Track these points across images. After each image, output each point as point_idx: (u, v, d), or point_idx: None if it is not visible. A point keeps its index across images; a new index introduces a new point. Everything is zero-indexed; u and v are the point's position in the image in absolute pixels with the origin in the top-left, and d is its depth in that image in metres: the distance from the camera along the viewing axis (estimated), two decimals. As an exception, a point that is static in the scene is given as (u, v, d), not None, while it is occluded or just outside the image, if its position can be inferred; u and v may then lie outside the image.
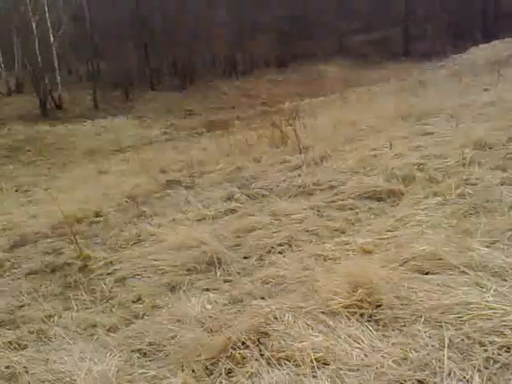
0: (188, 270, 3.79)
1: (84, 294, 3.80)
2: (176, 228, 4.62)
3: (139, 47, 32.87)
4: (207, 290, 3.41)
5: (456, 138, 6.32)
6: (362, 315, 2.61)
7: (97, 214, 5.94)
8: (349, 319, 2.58)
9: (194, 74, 32.65)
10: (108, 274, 4.09)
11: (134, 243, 4.71)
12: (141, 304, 3.46)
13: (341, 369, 2.25)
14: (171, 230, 4.57)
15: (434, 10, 38.80)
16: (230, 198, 5.44)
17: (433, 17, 38.15)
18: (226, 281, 3.53)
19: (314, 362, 2.31)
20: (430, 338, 2.35)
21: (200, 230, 4.31)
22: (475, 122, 7.22)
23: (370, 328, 2.50)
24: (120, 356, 2.72)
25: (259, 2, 35.35)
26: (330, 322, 2.56)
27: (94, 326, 3.24)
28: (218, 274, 3.65)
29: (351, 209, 4.66)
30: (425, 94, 13.49)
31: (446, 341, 2.29)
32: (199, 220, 4.96)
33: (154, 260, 4.06)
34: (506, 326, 2.34)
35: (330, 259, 3.50)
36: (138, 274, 3.95)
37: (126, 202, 6.05)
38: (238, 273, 3.61)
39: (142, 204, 5.92)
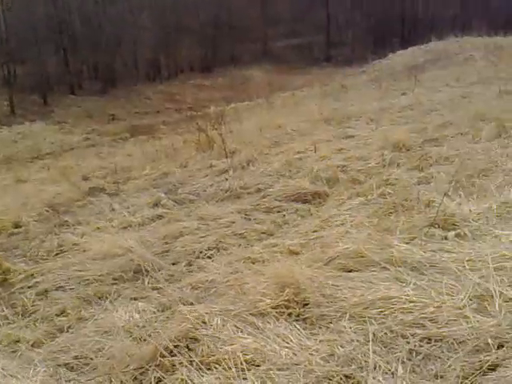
0: (114, 279, 3.70)
1: (5, 308, 3.61)
2: (101, 236, 4.49)
3: (59, 51, 31.78)
4: (135, 298, 3.34)
5: (376, 140, 6.58)
6: (289, 315, 2.65)
7: (16, 225, 5.67)
8: (277, 319, 2.61)
9: (116, 79, 31.91)
10: (29, 287, 3.91)
11: (57, 254, 4.53)
12: (65, 317, 3.33)
13: (270, 369, 2.27)
14: (96, 239, 4.43)
15: (355, 17, 40.14)
16: (156, 204, 5.36)
17: (353, 23, 39.44)
18: (154, 288, 3.47)
19: (244, 364, 2.31)
20: (355, 333, 2.42)
21: (126, 237, 4.21)
22: (394, 125, 7.55)
23: (298, 327, 2.54)
24: (45, 371, 2.61)
25: (182, 5, 35.09)
26: (259, 323, 2.58)
27: (17, 341, 3.09)
28: (146, 281, 3.59)
29: (278, 211, 4.73)
30: (347, 98, 13.95)
31: (371, 335, 2.37)
32: (125, 227, 4.85)
33: (78, 271, 3.92)
34: (425, 318, 2.45)
35: (258, 262, 3.53)
36: (62, 286, 3.80)
37: (47, 211, 5.81)
38: (167, 280, 3.56)
39: (64, 213, 5.72)
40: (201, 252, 3.96)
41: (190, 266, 3.77)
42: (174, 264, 3.86)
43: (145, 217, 5.01)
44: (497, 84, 9.20)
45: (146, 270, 3.69)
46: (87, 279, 3.77)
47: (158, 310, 3.06)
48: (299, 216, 4.53)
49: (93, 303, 3.42)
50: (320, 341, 2.42)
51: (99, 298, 3.47)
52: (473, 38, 24.40)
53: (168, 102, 27.52)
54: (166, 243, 4.26)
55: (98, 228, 4.94)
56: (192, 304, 2.96)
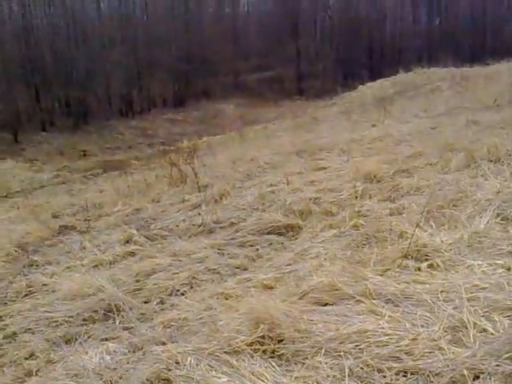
0: (84, 319, 3.60)
1: (-30, 354, 3.48)
2: (71, 276, 4.40)
3: (30, 87, 31.59)
4: (106, 339, 3.25)
5: (348, 171, 6.64)
6: (264, 351, 2.60)
7: (-17, 266, 5.51)
8: (252, 357, 2.57)
9: (88, 114, 31.77)
10: (-3, 330, 3.79)
11: (25, 295, 4.40)
12: (34, 360, 3.23)
13: (246, 409, 2.21)
14: (65, 279, 4.33)
15: (324, 50, 41.04)
16: (128, 241, 5.28)
17: (323, 56, 40.31)
18: (125, 328, 3.38)
19: (219, 404, 2.26)
20: (331, 368, 2.39)
21: (97, 276, 4.12)
22: (365, 156, 7.64)
23: (273, 364, 2.50)
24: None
25: (154, 40, 35.41)
26: (234, 362, 2.53)
27: (-17, 388, 2.97)
28: (117, 321, 3.50)
29: (252, 245, 4.71)
30: (318, 130, 14.12)
31: (347, 370, 2.34)
32: (96, 266, 4.75)
33: (48, 312, 3.82)
34: (401, 350, 2.44)
35: (231, 297, 3.48)
36: (30, 328, 3.69)
37: (16, 251, 5.67)
38: (138, 319, 3.49)
39: (33, 253, 5.58)
40: (173, 289, 3.90)
41: (163, 303, 3.70)
42: (146, 302, 3.79)
43: (116, 254, 4.92)
44: (464, 114, 9.43)
45: (117, 310, 3.61)
46: (56, 320, 3.66)
47: (130, 351, 2.98)
48: (273, 249, 4.52)
49: (62, 345, 3.32)
50: (296, 378, 2.38)
51: (69, 340, 3.37)
52: (439, 69, 25.16)
53: (140, 137, 27.46)
54: (138, 281, 4.18)
55: (68, 267, 4.83)
56: (164, 343, 2.89)
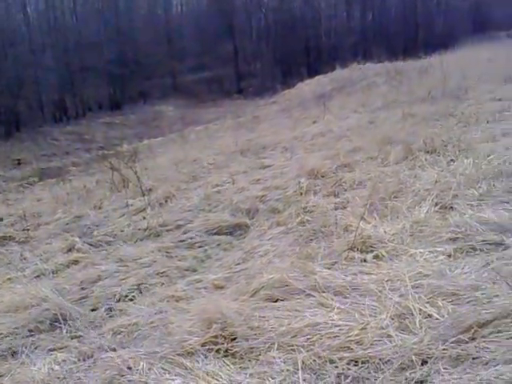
0: (30, 330, 3.46)
1: None
2: (12, 288, 4.22)
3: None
4: (54, 349, 3.14)
5: (292, 169, 6.72)
6: (218, 351, 2.59)
7: None
8: (206, 357, 2.56)
9: (20, 121, 30.58)
10: None
11: (-36, 310, 4.20)
12: (-21, 375, 3.09)
13: (202, 410, 2.20)
14: (7, 291, 4.16)
15: (262, 49, 41.29)
16: (70, 249, 5.12)
17: (261, 55, 40.54)
18: (73, 337, 3.29)
19: (175, 407, 2.23)
20: (284, 363, 2.41)
21: (40, 286, 3.98)
22: (308, 153, 7.76)
23: (228, 362, 2.50)
24: None
25: (86, 44, 34.47)
26: (187, 363, 2.51)
27: None
28: (64, 331, 3.39)
29: (200, 246, 4.69)
30: (260, 129, 14.22)
31: (300, 363, 2.37)
32: (38, 276, 4.58)
33: (-10, 326, 3.66)
34: (351, 340, 2.49)
35: (182, 299, 3.46)
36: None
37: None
38: (86, 327, 3.39)
39: (-30, 266, 5.34)
40: (121, 295, 3.82)
41: (111, 310, 3.62)
42: (93, 310, 3.69)
43: (59, 263, 4.76)
44: (400, 107, 9.71)
45: (64, 319, 3.50)
46: (0, 333, 3.51)
47: (79, 360, 2.89)
48: (222, 249, 4.52)
49: (8, 358, 3.18)
50: (250, 374, 2.39)
51: (14, 353, 3.24)
52: (374, 65, 25.84)
53: (77, 143, 26.63)
54: (84, 289, 4.07)
55: (9, 279, 4.63)
56: (115, 350, 2.83)
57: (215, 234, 4.90)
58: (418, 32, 43.11)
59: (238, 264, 3.94)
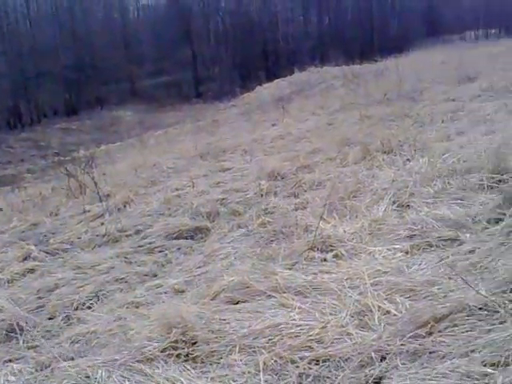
0: (-16, 343, 3.36)
1: None
2: (-35, 299, 4.08)
3: None
4: (10, 360, 3.05)
5: (252, 171, 6.73)
6: (178, 356, 2.56)
7: None
8: (166, 362, 2.52)
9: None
10: None
11: None
12: None
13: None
14: (-41, 303, 4.01)
15: (220, 53, 41.27)
16: (26, 258, 4.98)
17: (219, 59, 40.50)
18: (30, 347, 3.19)
19: (134, 415, 2.19)
20: (245, 365, 2.40)
21: (-6, 296, 3.86)
22: (268, 155, 7.79)
23: (188, 367, 2.47)
24: None
25: (40, 50, 33.66)
26: (147, 370, 2.47)
27: None
28: (21, 341, 3.30)
29: (160, 251, 4.64)
30: (220, 132, 14.19)
31: (261, 365, 2.36)
32: (-8, 286, 4.45)
33: None
34: (312, 340, 2.50)
35: (142, 305, 3.41)
36: None
37: None
38: (43, 336, 3.30)
39: None
40: (79, 303, 3.73)
41: (69, 319, 3.54)
42: (50, 319, 3.60)
43: (14, 272, 4.62)
44: (357, 109, 9.87)
45: (20, 329, 3.40)
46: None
47: (37, 370, 2.81)
48: (182, 253, 4.47)
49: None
50: (211, 378, 2.37)
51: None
52: (332, 68, 26.20)
53: (33, 149, 25.94)
54: (40, 298, 3.96)
55: (-38, 290, 4.48)
56: (73, 359, 2.76)
57: (175, 238, 4.85)
58: (374, 36, 43.97)
59: (199, 267, 3.90)
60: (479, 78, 11.09)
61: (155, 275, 4.06)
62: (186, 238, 4.83)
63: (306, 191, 5.31)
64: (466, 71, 12.04)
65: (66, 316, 3.58)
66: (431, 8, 50.37)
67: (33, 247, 5.18)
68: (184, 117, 26.75)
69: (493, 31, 45.44)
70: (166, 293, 3.54)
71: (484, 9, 45.09)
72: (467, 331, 2.32)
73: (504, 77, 10.27)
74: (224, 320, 2.79)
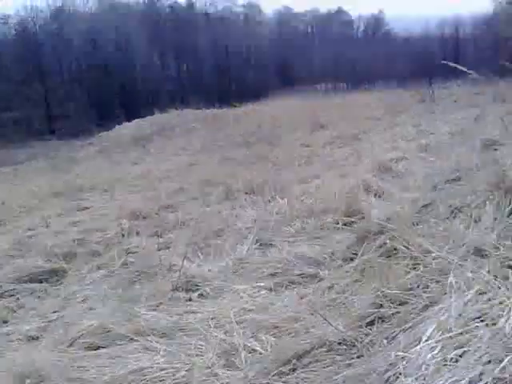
0: None
1: None
2: None
3: None
4: None
5: (112, 210, 6.54)
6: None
7: None
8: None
9: None
10: None
11: None
12: None
13: None
14: None
15: (75, 90, 40.09)
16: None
17: (74, 96, 39.27)
18: None
19: None
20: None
21: None
22: (129, 194, 7.62)
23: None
24: None
25: None
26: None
27: None
28: None
29: (11, 295, 4.28)
30: (77, 170, 13.61)
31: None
32: None
33: None
34: (178, 383, 2.43)
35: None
36: None
37: None
38: None
39: None
40: None
41: None
42: None
43: None
44: (219, 151, 10.11)
45: None
46: None
47: None
48: (36, 297, 4.16)
49: None
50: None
51: None
52: (192, 111, 26.46)
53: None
54: None
55: None
56: None
57: (28, 281, 4.50)
58: (231, 84, 46.05)
59: (55, 312, 3.65)
60: (329, 126, 11.96)
61: (6, 321, 3.72)
62: (41, 281, 4.50)
63: (169, 231, 5.27)
64: (317, 119, 12.93)
65: None
66: (285, 62, 54.46)
67: None
68: (36, 154, 25.25)
69: (341, 85, 50.00)
70: (18, 340, 3.25)
71: (333, 64, 49.97)
72: (328, 366, 2.38)
73: (350, 126, 11.20)
74: (83, 367, 2.62)
